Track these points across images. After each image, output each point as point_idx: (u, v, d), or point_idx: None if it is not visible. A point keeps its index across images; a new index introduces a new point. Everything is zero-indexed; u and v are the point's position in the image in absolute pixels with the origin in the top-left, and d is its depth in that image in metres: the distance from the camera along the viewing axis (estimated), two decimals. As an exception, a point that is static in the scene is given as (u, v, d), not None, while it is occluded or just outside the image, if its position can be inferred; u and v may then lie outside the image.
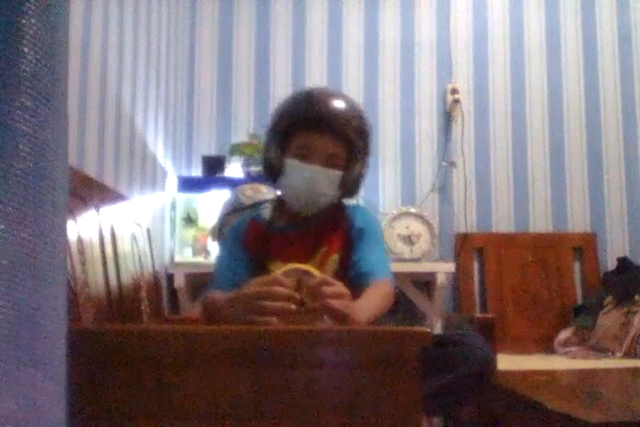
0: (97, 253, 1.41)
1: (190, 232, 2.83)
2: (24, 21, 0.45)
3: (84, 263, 1.28)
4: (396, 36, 3.21)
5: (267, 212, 1.50)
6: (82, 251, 1.29)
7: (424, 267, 2.78)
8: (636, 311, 2.59)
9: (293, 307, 1.07)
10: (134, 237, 1.79)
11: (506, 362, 1.71)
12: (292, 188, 1.40)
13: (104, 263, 1.44)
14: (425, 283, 2.90)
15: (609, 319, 2.66)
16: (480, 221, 3.12)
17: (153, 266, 1.95)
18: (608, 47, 3.27)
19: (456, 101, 3.11)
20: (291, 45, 3.18)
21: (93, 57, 1.79)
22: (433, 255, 2.97)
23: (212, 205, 2.79)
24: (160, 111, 2.61)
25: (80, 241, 1.30)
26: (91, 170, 1.75)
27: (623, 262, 2.93)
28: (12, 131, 0.44)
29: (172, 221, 2.80)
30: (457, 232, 3.08)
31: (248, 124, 3.09)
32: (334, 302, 1.06)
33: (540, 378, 1.57)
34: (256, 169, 2.80)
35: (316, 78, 3.14)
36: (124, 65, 2.10)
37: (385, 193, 3.10)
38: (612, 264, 3.03)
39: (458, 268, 2.93)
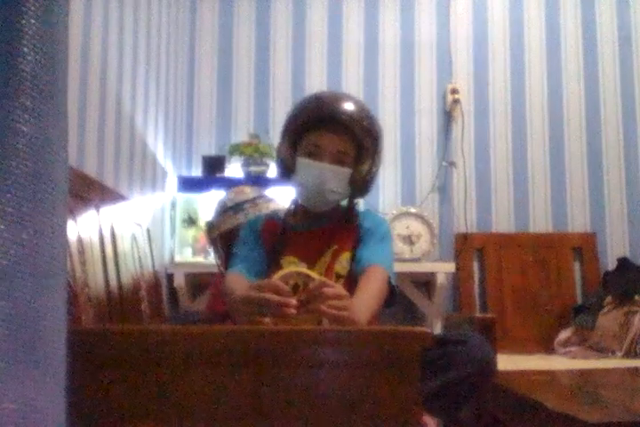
0: (97, 253, 1.41)
1: (190, 232, 2.83)
2: (24, 21, 0.45)
3: (84, 263, 1.28)
4: (396, 36, 3.21)
5: (282, 211, 1.57)
6: (82, 251, 1.29)
7: (424, 267, 2.79)
8: (636, 311, 2.59)
9: (293, 311, 1.08)
10: (134, 237, 1.79)
11: (506, 362, 1.71)
12: (302, 185, 1.44)
13: (104, 263, 1.44)
14: (425, 283, 2.90)
15: (609, 319, 2.66)
16: (480, 221, 3.12)
17: (153, 266, 1.95)
18: (608, 47, 3.27)
19: (456, 101, 3.11)
20: (291, 45, 3.18)
21: (93, 57, 1.79)
22: (433, 255, 2.97)
23: (211, 205, 2.79)
24: (160, 111, 2.61)
25: (80, 241, 1.30)
26: (91, 170, 1.75)
27: (623, 262, 2.93)
28: (12, 131, 0.44)
29: (172, 221, 2.80)
30: (457, 232, 3.08)
31: (248, 124, 3.09)
32: (333, 305, 1.08)
33: (540, 378, 1.57)
34: (256, 169, 2.80)
35: (316, 78, 3.14)
36: (124, 65, 2.10)
37: (385, 193, 3.10)
38: (612, 264, 3.03)
39: (458, 268, 2.93)
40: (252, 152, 2.80)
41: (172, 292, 2.68)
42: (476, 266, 3.08)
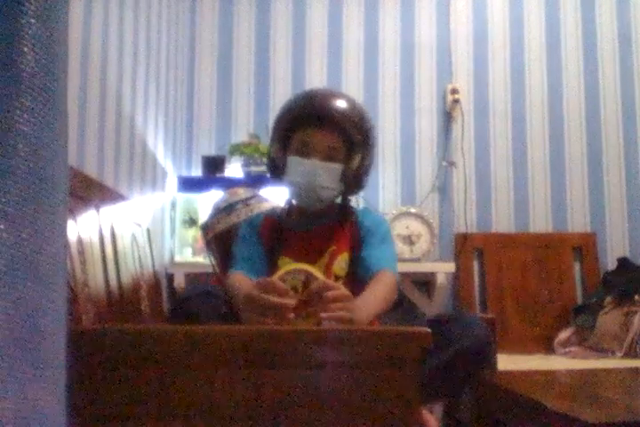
0: (97, 253, 1.41)
1: (190, 232, 2.83)
2: (24, 21, 0.45)
3: (84, 263, 1.28)
4: (396, 36, 3.21)
5: (281, 212, 1.56)
6: (82, 251, 1.29)
7: (424, 267, 2.78)
8: (636, 311, 2.59)
9: (291, 315, 1.08)
10: (134, 237, 1.79)
11: (506, 362, 1.71)
12: (294, 183, 1.44)
13: (104, 263, 1.44)
14: (425, 283, 2.90)
15: (609, 319, 2.66)
16: (480, 221, 3.12)
17: (153, 266, 1.95)
18: (608, 47, 3.27)
19: (456, 101, 3.11)
20: (291, 45, 3.18)
21: (93, 57, 1.79)
22: (433, 255, 2.97)
23: (210, 205, 2.79)
24: (160, 111, 2.61)
25: (80, 241, 1.30)
26: (91, 170, 1.75)
27: (623, 262, 2.93)
28: (12, 131, 0.44)
29: (172, 221, 2.80)
30: (457, 232, 3.08)
31: (248, 124, 3.09)
32: (334, 307, 1.07)
33: (540, 378, 1.57)
34: (256, 169, 2.80)
35: (316, 78, 3.14)
36: (124, 65, 2.10)
37: (385, 193, 3.10)
38: (612, 264, 3.03)
39: (458, 268, 2.92)
40: (251, 152, 2.80)
41: (172, 292, 2.68)
42: (476, 266, 3.08)
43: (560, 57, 3.25)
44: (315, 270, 1.16)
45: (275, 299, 1.09)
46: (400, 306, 1.40)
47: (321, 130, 1.42)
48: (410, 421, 0.96)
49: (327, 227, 1.49)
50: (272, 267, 1.41)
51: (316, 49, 3.18)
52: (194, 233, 2.82)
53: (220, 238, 1.81)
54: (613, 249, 3.12)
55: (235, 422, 0.95)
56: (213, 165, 2.81)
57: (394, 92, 3.17)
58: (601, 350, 2.60)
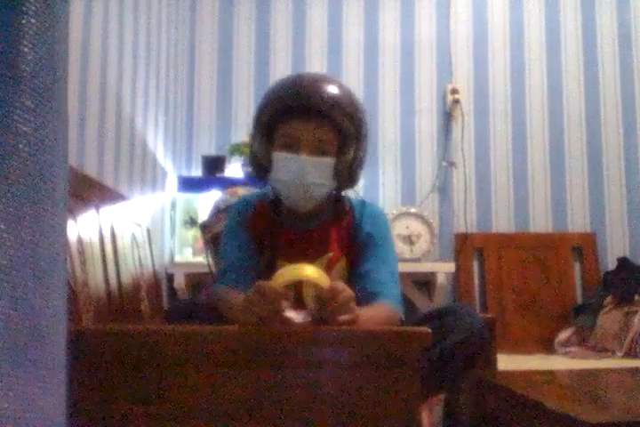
0: (97, 253, 1.41)
1: (190, 232, 2.83)
2: (24, 21, 0.45)
3: (84, 263, 1.28)
4: (396, 36, 3.21)
5: (269, 201, 1.40)
6: (82, 251, 1.29)
7: (424, 267, 2.78)
8: (636, 311, 2.59)
9: (297, 319, 1.06)
10: (134, 237, 1.79)
11: (506, 362, 1.71)
12: (282, 182, 1.30)
13: (104, 263, 1.44)
14: (425, 283, 2.90)
15: (609, 319, 2.66)
16: (480, 221, 3.12)
17: (153, 266, 1.95)
18: (608, 47, 3.27)
19: (456, 101, 3.11)
20: (291, 45, 3.18)
21: (93, 57, 1.79)
22: (433, 255, 2.97)
23: (209, 205, 2.79)
24: (160, 111, 2.61)
25: (80, 241, 1.30)
26: (91, 170, 1.75)
27: (623, 262, 2.93)
28: (12, 131, 0.44)
29: (172, 221, 2.80)
30: (457, 232, 3.08)
31: (248, 124, 3.07)
32: (341, 320, 1.04)
33: (540, 378, 1.57)
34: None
35: (315, 78, 3.13)
36: (124, 65, 2.10)
37: (385, 193, 3.10)
38: (612, 264, 3.03)
39: (458, 268, 2.93)
40: (251, 152, 2.79)
41: (172, 292, 2.68)
42: (476, 266, 3.08)
43: (560, 57, 3.25)
44: (317, 274, 1.09)
45: (275, 318, 1.01)
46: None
47: (308, 121, 1.26)
48: (410, 421, 0.96)
49: (322, 229, 1.36)
50: (264, 267, 1.32)
51: (316, 49, 3.18)
52: (194, 233, 2.82)
53: (219, 238, 1.80)
54: (613, 249, 3.12)
55: (235, 422, 0.95)
56: (213, 165, 2.81)
57: (394, 92, 3.17)
58: (601, 350, 2.60)
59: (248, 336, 0.98)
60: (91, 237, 1.39)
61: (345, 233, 1.37)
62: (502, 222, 3.13)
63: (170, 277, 2.66)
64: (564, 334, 2.77)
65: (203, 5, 3.17)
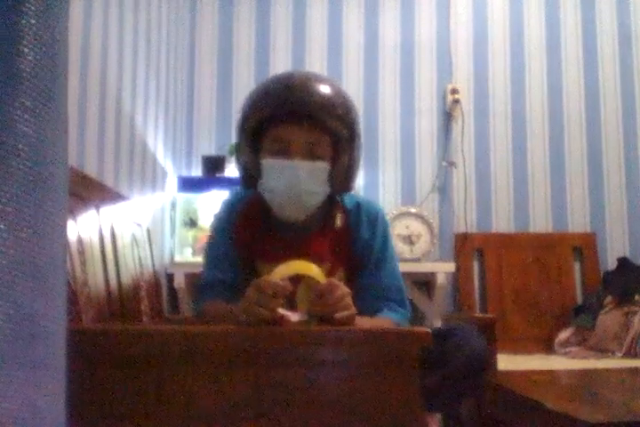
0: (97, 253, 1.41)
1: (190, 232, 2.83)
2: (24, 21, 0.45)
3: (84, 263, 1.28)
4: (396, 36, 3.21)
5: (258, 205, 1.31)
6: (82, 251, 1.29)
7: (424, 267, 2.78)
8: (636, 311, 2.59)
9: (295, 318, 1.06)
10: (134, 237, 1.79)
11: (506, 362, 1.71)
12: (273, 192, 1.21)
13: (104, 263, 1.44)
14: (425, 283, 2.90)
15: (609, 319, 2.66)
16: (480, 221, 3.12)
17: (153, 266, 1.95)
18: (608, 47, 3.27)
19: (456, 101, 3.11)
20: (291, 46, 3.18)
21: (93, 57, 1.79)
22: (433, 255, 2.97)
23: (212, 205, 2.79)
24: (160, 111, 2.61)
25: (80, 241, 1.30)
26: (91, 170, 1.75)
27: (623, 262, 2.93)
28: (12, 131, 0.44)
29: (172, 222, 2.80)
30: (457, 232, 3.08)
31: (248, 124, 3.09)
32: (339, 317, 1.04)
33: (540, 378, 1.57)
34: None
35: (315, 78, 3.13)
36: (124, 65, 2.10)
37: (385, 193, 3.10)
38: (612, 264, 3.03)
39: (458, 268, 2.92)
40: (251, 152, 2.79)
41: (172, 292, 2.68)
42: (475, 266, 3.07)
43: (560, 57, 3.25)
44: (313, 269, 1.10)
45: (273, 316, 1.01)
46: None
47: (299, 124, 1.17)
48: (410, 421, 0.96)
49: (314, 237, 1.28)
50: (252, 272, 1.27)
51: (316, 49, 3.18)
52: (194, 233, 2.82)
53: None
54: (613, 249, 3.12)
55: (235, 422, 0.95)
56: (213, 165, 2.81)
57: (394, 93, 3.17)
58: (601, 350, 2.59)
59: (247, 336, 0.98)
60: (91, 237, 1.39)
61: (341, 241, 1.30)
62: (502, 222, 3.13)
63: (170, 277, 2.66)
64: (563, 334, 2.77)
65: (203, 5, 3.17)
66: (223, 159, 2.83)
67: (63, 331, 0.49)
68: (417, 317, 2.90)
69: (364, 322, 1.11)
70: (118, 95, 2.03)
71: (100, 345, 0.98)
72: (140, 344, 0.99)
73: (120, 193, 1.93)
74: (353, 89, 3.08)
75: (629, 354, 2.51)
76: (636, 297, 2.66)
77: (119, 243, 1.59)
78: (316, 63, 3.16)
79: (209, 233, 1.45)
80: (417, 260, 2.84)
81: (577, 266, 3.08)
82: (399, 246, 2.84)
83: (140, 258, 1.79)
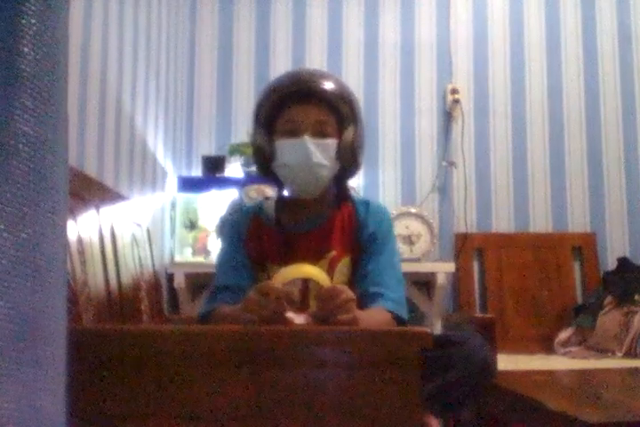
0: (97, 253, 1.41)
1: (190, 234, 2.83)
2: (24, 21, 0.45)
3: (84, 263, 1.28)
4: (396, 35, 3.21)
5: (270, 209, 1.42)
6: (82, 251, 1.29)
7: (424, 267, 2.78)
8: (636, 311, 2.59)
9: (300, 320, 1.06)
10: (134, 237, 1.79)
11: (506, 362, 1.71)
12: (287, 167, 1.34)
13: (104, 263, 1.44)
14: (425, 283, 2.90)
15: (609, 319, 2.66)
16: (480, 221, 3.12)
17: (153, 266, 1.95)
18: (608, 47, 3.27)
19: (456, 101, 3.11)
20: (291, 45, 3.18)
21: (93, 57, 1.79)
22: (433, 255, 2.97)
23: (212, 205, 2.79)
24: (160, 111, 2.61)
25: (80, 241, 1.30)
26: (91, 170, 1.75)
27: (623, 262, 2.93)
28: (12, 131, 0.44)
29: (172, 222, 2.80)
30: (457, 232, 3.08)
31: (248, 124, 3.07)
32: (341, 319, 1.05)
33: (540, 378, 1.57)
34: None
35: (315, 78, 3.13)
36: (124, 65, 2.10)
37: (385, 193, 3.10)
38: (612, 264, 3.03)
39: (458, 268, 2.92)
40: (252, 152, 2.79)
41: (172, 292, 2.68)
42: (475, 266, 3.07)
43: (560, 57, 3.25)
44: (317, 273, 1.11)
45: (277, 318, 1.04)
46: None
47: (306, 105, 1.33)
48: (410, 421, 0.95)
49: (324, 228, 1.37)
50: (263, 274, 1.33)
51: (316, 49, 3.18)
52: (194, 234, 2.82)
53: None
54: (613, 249, 3.12)
55: (235, 422, 0.95)
56: (213, 165, 2.81)
57: (394, 92, 3.17)
58: (601, 350, 2.59)
59: (248, 336, 0.98)
60: (91, 237, 1.39)
61: (348, 231, 1.38)
62: (502, 222, 3.13)
63: (170, 277, 2.66)
64: (563, 335, 2.77)
65: (203, 5, 3.17)
66: (223, 159, 2.83)
67: (63, 331, 0.49)
68: (417, 317, 2.90)
69: (362, 317, 1.11)
70: (118, 95, 2.03)
71: (100, 345, 0.98)
72: (140, 344, 0.99)
73: (120, 193, 1.93)
74: (353, 89, 3.06)
75: (629, 354, 2.51)
76: (636, 297, 2.66)
77: (119, 243, 1.59)
78: (316, 63, 3.16)
79: (217, 238, 1.52)
80: (417, 260, 2.84)
81: (577, 266, 3.08)
82: (399, 246, 2.84)
83: (140, 258, 1.79)
